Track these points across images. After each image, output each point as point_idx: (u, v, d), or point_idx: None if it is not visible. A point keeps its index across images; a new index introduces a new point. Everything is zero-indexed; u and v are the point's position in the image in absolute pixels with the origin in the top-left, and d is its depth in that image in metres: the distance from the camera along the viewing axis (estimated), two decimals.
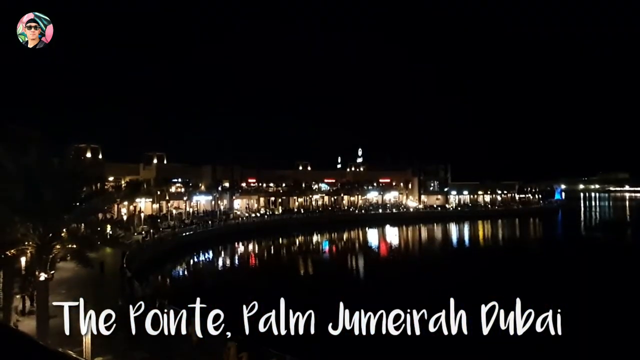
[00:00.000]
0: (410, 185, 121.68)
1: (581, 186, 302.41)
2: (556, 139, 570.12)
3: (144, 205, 72.67)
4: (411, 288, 40.56)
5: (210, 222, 73.11)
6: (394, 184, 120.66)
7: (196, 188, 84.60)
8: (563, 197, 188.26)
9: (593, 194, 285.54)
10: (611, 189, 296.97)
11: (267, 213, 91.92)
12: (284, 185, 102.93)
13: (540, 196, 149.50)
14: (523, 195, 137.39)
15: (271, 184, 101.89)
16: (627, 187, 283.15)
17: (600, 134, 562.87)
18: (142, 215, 67.27)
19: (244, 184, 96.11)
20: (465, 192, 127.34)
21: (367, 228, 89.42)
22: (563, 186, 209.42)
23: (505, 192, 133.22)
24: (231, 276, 48.89)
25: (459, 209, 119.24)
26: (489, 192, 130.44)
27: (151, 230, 57.98)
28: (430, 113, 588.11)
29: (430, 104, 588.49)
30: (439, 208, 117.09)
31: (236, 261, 59.08)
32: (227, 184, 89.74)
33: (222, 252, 63.67)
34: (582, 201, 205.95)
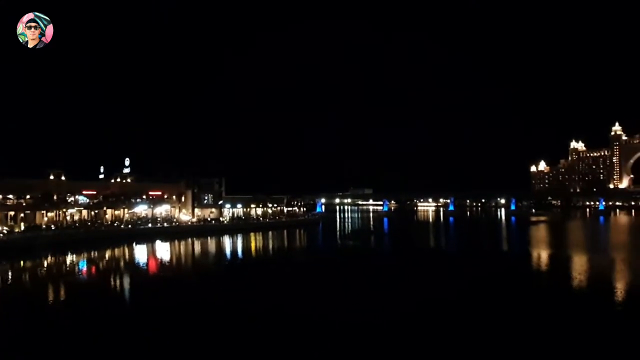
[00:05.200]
0: (183, 198, 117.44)
1: (337, 200, 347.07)
2: (318, 158, 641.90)
3: None
4: (180, 306, 37.97)
5: None
6: (165, 196, 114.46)
7: None
8: (323, 209, 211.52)
9: (346, 207, 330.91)
10: (359, 202, 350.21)
11: (3, 231, 75.07)
12: (28, 197, 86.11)
13: (305, 209, 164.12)
14: (291, 208, 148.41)
15: (10, 196, 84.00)
16: (371, 201, 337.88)
17: (351, 157, 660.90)
18: None
19: None
20: (239, 206, 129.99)
21: (134, 244, 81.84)
22: (323, 200, 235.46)
23: (275, 205, 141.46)
24: None
25: (233, 222, 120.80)
26: (260, 205, 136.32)
27: None
28: (204, 125, 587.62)
29: (211, 116, 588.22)
30: (213, 221, 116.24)
31: None
32: None
33: None
34: (338, 213, 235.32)
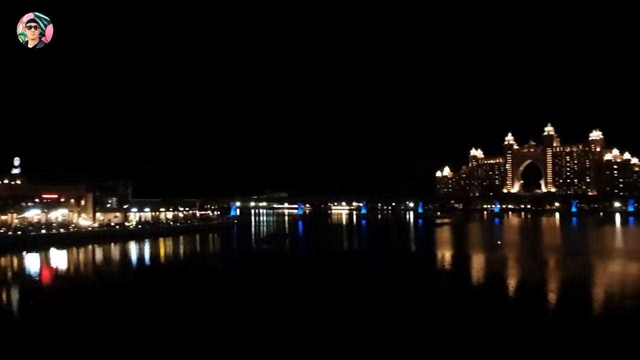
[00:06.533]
0: (83, 202, 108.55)
1: (252, 203, 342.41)
2: (232, 161, 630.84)
3: None
4: (72, 324, 34.70)
5: None
6: (62, 200, 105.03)
7: None
8: (238, 213, 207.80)
9: (262, 210, 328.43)
10: (275, 205, 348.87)
11: None
12: None
13: (219, 213, 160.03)
14: (204, 212, 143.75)
15: None
16: (286, 205, 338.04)
17: (266, 160, 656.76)
18: None
19: None
20: (147, 209, 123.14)
21: (25, 253, 73.87)
22: (238, 203, 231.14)
23: (187, 209, 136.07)
24: None
25: (140, 226, 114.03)
26: (171, 209, 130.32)
27: None
28: (111, 123, 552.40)
29: (120, 114, 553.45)
30: (118, 226, 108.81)
31: None
32: None
33: None
34: (253, 216, 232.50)
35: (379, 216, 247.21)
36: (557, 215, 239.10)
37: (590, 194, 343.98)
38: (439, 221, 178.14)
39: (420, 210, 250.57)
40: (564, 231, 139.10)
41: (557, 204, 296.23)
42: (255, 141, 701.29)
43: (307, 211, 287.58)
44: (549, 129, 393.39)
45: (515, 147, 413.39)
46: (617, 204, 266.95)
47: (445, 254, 77.43)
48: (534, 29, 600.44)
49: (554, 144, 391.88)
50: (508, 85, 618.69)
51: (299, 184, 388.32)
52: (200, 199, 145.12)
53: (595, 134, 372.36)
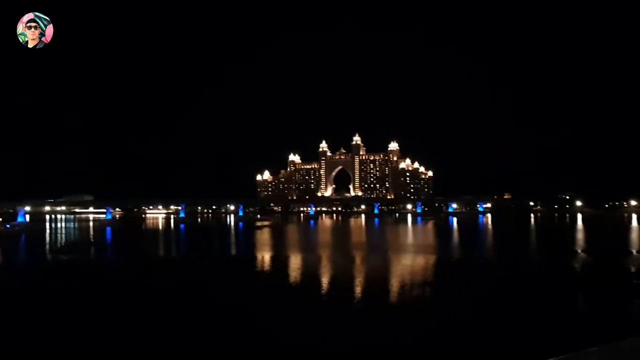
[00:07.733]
0: None
1: (48, 208, 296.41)
2: (20, 158, 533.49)
3: None
4: None
5: None
6: None
7: None
8: (28, 219, 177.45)
9: (60, 216, 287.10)
10: (77, 210, 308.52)
11: None
12: None
13: (1, 219, 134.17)
14: None
15: None
16: (91, 209, 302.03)
17: (65, 158, 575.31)
18: None
19: None
20: None
21: None
22: (28, 208, 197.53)
23: None
24: None
25: None
26: None
27: None
28: None
29: None
30: None
31: None
32: None
33: None
34: (48, 223, 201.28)
35: (199, 220, 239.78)
36: (363, 216, 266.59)
37: (389, 197, 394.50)
38: (259, 224, 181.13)
39: (240, 214, 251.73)
40: (367, 231, 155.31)
41: (363, 206, 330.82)
42: (52, 138, 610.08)
43: (118, 216, 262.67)
44: (356, 139, 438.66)
45: (329, 153, 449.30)
46: (409, 206, 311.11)
47: (265, 256, 78.34)
48: (347, 47, 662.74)
49: (361, 153, 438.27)
50: (326, 96, 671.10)
51: (108, 186, 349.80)
52: None
53: (393, 145, 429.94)
